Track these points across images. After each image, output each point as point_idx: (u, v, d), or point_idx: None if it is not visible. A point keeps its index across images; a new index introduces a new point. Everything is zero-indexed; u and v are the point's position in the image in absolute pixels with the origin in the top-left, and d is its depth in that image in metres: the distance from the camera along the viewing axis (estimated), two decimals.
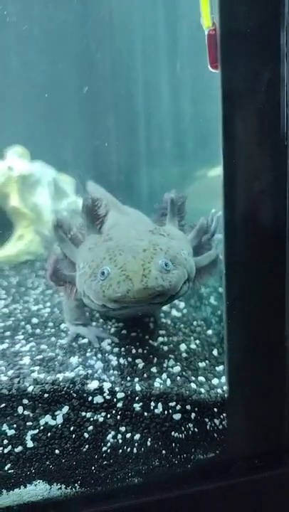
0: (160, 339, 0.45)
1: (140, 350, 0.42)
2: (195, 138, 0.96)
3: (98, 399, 0.35)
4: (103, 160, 1.00)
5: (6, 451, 0.34)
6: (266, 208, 0.36)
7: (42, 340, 0.42)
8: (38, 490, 0.36)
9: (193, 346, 0.44)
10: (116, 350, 0.41)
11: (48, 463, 0.35)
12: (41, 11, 0.84)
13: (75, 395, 0.35)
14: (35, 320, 0.45)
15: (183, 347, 0.43)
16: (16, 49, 0.83)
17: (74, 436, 0.35)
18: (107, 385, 0.36)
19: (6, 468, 0.35)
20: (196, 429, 0.38)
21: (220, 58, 0.33)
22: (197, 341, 0.45)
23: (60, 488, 0.36)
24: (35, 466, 0.35)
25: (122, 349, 0.41)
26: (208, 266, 0.43)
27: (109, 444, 0.36)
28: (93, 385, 0.35)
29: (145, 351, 0.41)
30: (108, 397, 0.35)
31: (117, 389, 0.36)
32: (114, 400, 0.36)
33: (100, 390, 0.35)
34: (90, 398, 0.35)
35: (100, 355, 0.40)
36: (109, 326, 0.46)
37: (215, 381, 0.40)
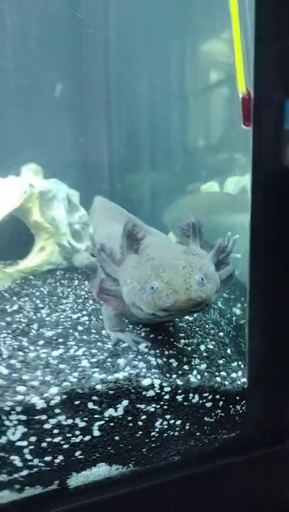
0: (182, 341, 0.53)
1: (171, 351, 0.50)
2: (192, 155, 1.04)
3: (150, 393, 0.43)
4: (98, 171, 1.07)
5: (77, 440, 0.42)
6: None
7: (90, 345, 0.49)
8: (100, 471, 0.44)
9: (210, 346, 0.53)
10: (152, 351, 0.49)
11: (109, 448, 0.43)
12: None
13: (133, 391, 0.43)
14: (80, 327, 0.52)
15: (202, 347, 0.52)
16: None
17: (131, 424, 0.43)
18: (157, 381, 0.44)
19: (77, 454, 0.42)
20: (222, 414, 0.47)
21: (252, 121, 0.41)
22: (213, 342, 0.54)
23: (118, 469, 0.44)
24: (99, 452, 0.43)
25: (157, 351, 0.49)
26: (226, 279, 0.52)
27: (157, 430, 0.45)
28: (146, 381, 0.43)
29: (174, 352, 0.50)
30: (158, 391, 0.44)
31: (164, 384, 0.44)
32: (162, 393, 0.44)
33: (152, 386, 0.43)
34: (144, 393, 0.43)
35: (140, 357, 0.48)
36: (139, 331, 0.54)
37: (233, 375, 0.49)
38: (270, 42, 0.40)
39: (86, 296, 0.64)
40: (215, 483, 0.48)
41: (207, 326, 0.58)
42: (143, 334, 0.53)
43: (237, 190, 0.85)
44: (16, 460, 0.40)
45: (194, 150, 1.04)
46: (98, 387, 0.42)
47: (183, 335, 0.54)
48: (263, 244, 0.45)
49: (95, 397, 0.42)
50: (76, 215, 0.79)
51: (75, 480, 0.43)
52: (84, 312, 0.57)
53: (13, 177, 0.77)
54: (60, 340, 0.50)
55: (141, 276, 0.44)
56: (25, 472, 0.41)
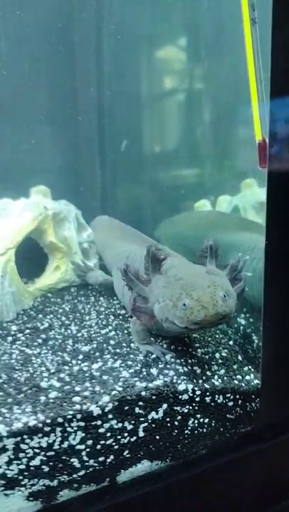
0: (199, 350, 0.60)
1: (193, 360, 0.57)
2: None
3: (185, 396, 0.50)
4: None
5: (125, 441, 0.48)
6: None
7: (125, 357, 0.55)
8: (143, 467, 0.50)
9: (224, 354, 0.61)
10: (178, 361, 0.56)
11: (151, 446, 0.50)
12: None
13: (171, 395, 0.49)
14: (112, 342, 0.58)
15: (217, 355, 0.60)
16: None
17: (168, 425, 0.50)
18: (190, 386, 0.51)
19: (125, 453, 0.48)
20: (241, 411, 0.55)
21: (267, 165, 0.50)
22: (225, 350, 0.62)
23: (158, 464, 0.51)
24: (143, 450, 0.49)
25: (181, 360, 0.56)
26: (239, 294, 0.60)
27: (189, 428, 0.52)
28: (181, 386, 0.50)
29: (196, 360, 0.57)
30: (191, 395, 0.50)
31: (195, 388, 0.51)
32: (194, 396, 0.51)
33: (186, 390, 0.50)
34: (180, 396, 0.50)
35: (168, 366, 0.55)
36: (160, 343, 0.61)
37: (247, 377, 0.57)
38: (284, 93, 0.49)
39: (106, 312, 0.69)
40: (236, 471, 0.56)
41: (217, 336, 0.66)
42: (165, 346, 0.60)
43: (230, 208, 0.95)
44: (75, 462, 0.45)
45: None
46: (143, 393, 0.48)
47: (198, 345, 0.62)
48: (278, 263, 0.53)
49: (140, 403, 0.48)
50: (84, 234, 0.84)
51: (123, 476, 0.49)
52: (110, 327, 0.63)
53: (24, 199, 0.82)
54: (97, 354, 0.55)
55: (172, 295, 0.51)
56: (82, 472, 0.46)
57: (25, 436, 0.43)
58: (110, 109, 1.10)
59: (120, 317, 0.68)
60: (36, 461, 0.44)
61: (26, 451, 0.43)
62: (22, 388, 0.48)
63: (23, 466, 0.43)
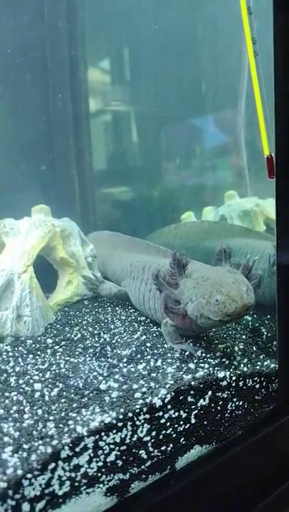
0: (220, 346, 0.67)
1: (219, 353, 0.64)
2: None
3: (224, 383, 0.56)
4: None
5: (181, 429, 0.52)
6: None
7: (163, 357, 0.60)
8: (196, 452, 0.55)
9: (241, 347, 0.68)
10: (208, 355, 0.62)
11: (200, 431, 0.55)
12: None
13: (214, 383, 0.55)
14: (148, 344, 0.62)
15: (236, 348, 0.67)
16: None
17: (213, 410, 0.56)
18: (227, 373, 0.57)
19: (181, 440, 0.52)
20: (265, 392, 0.63)
21: (275, 176, 0.59)
22: (241, 343, 0.70)
23: (206, 448, 0.56)
24: (195, 436, 0.54)
25: (210, 354, 0.63)
26: (254, 290, 0.68)
27: (228, 411, 0.58)
28: (221, 374, 0.56)
29: (222, 353, 0.64)
30: (228, 381, 0.57)
31: (231, 375, 0.57)
32: (231, 381, 0.57)
33: (225, 377, 0.56)
34: (220, 383, 0.56)
35: (201, 360, 0.61)
36: (187, 342, 0.66)
37: (265, 363, 0.65)
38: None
39: (128, 320, 0.74)
40: (266, 445, 0.63)
41: (230, 333, 0.73)
42: (192, 345, 0.66)
43: (217, 218, 1.04)
44: (143, 453, 0.49)
45: None
46: (192, 383, 0.54)
47: (217, 341, 0.69)
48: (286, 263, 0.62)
49: (191, 392, 0.53)
50: (87, 249, 0.87)
51: (180, 463, 0.54)
52: (139, 333, 0.68)
53: (28, 218, 0.83)
54: (138, 356, 0.60)
55: (205, 293, 0.58)
56: (148, 463, 0.50)
57: (102, 434, 0.46)
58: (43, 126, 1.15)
59: (143, 323, 0.73)
60: (112, 457, 0.47)
61: (103, 447, 0.46)
62: (84, 392, 0.51)
63: (101, 463, 0.46)
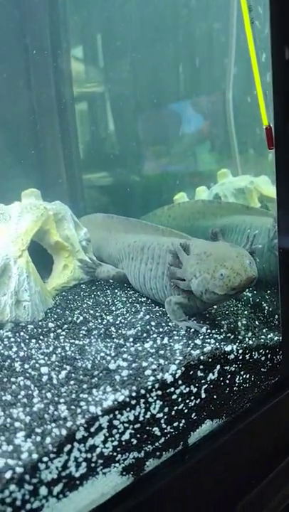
0: (223, 322, 0.67)
1: (223, 329, 0.63)
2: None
3: (231, 356, 0.56)
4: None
5: (192, 404, 0.52)
6: None
7: (169, 334, 0.59)
8: (206, 427, 0.55)
9: (244, 322, 0.68)
10: (213, 331, 0.62)
11: (210, 406, 0.55)
12: None
13: (222, 356, 0.55)
14: (152, 323, 0.62)
15: (239, 323, 0.67)
16: None
17: (222, 384, 0.55)
18: (234, 346, 0.57)
19: (193, 416, 0.52)
20: (270, 364, 0.63)
21: (274, 147, 0.58)
22: (244, 319, 0.69)
23: (217, 422, 0.56)
24: (205, 410, 0.54)
25: (215, 330, 0.62)
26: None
27: (236, 384, 0.58)
28: (228, 348, 0.56)
29: (226, 329, 0.63)
30: (236, 354, 0.57)
31: (238, 348, 0.57)
32: (238, 354, 0.57)
33: (232, 350, 0.56)
34: (228, 356, 0.56)
35: (207, 336, 0.60)
36: (191, 320, 0.66)
37: (269, 336, 0.65)
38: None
39: (130, 301, 0.72)
40: (273, 417, 0.64)
41: (232, 309, 0.73)
42: (195, 322, 0.65)
43: (211, 197, 1.03)
44: (156, 430, 0.49)
45: None
46: (201, 358, 0.53)
47: (220, 318, 0.68)
48: (287, 235, 0.62)
49: (201, 366, 0.53)
50: (81, 232, 0.85)
51: (192, 438, 0.54)
52: (142, 313, 0.67)
53: (18, 202, 0.80)
54: (144, 335, 0.59)
55: (209, 268, 0.58)
56: (162, 440, 0.50)
57: (116, 413, 0.45)
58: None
59: (144, 304, 0.71)
60: (126, 435, 0.46)
61: (118, 426, 0.45)
62: (93, 373, 0.50)
63: (116, 443, 0.46)
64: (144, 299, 0.75)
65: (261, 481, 0.61)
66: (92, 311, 0.69)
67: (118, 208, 1.20)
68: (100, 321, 0.65)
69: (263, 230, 0.76)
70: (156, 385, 0.49)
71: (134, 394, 0.47)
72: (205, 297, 0.59)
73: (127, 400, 0.46)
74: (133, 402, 0.47)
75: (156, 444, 0.50)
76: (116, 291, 0.79)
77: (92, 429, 0.44)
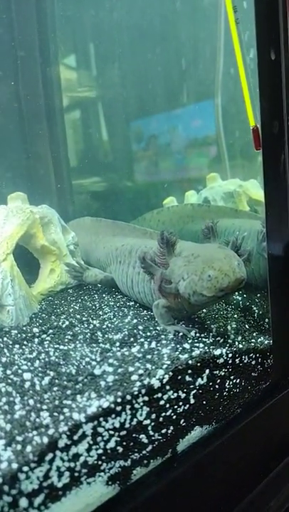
0: (212, 326, 0.66)
1: (213, 333, 0.62)
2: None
3: (221, 360, 0.55)
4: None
5: (181, 410, 0.50)
6: None
7: (157, 339, 0.58)
8: (196, 433, 0.54)
9: (234, 325, 0.67)
10: (202, 335, 0.61)
11: (200, 412, 0.53)
12: None
13: (211, 360, 0.54)
14: (140, 327, 0.60)
15: (229, 327, 0.66)
16: None
17: (212, 389, 0.54)
18: (223, 350, 0.55)
19: (181, 422, 0.51)
20: (261, 369, 0.62)
21: (262, 147, 0.58)
22: (233, 322, 0.68)
23: (206, 428, 0.54)
24: (194, 416, 0.53)
25: (204, 334, 0.61)
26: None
27: (226, 389, 0.56)
28: (217, 351, 0.55)
29: (215, 333, 0.62)
30: (225, 358, 0.55)
31: (228, 351, 0.56)
32: (228, 358, 0.56)
33: (221, 354, 0.55)
34: (217, 360, 0.54)
35: (196, 340, 0.59)
36: (180, 324, 0.64)
37: (259, 340, 0.64)
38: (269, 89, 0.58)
39: (117, 305, 0.71)
40: (264, 422, 0.62)
41: (221, 313, 0.72)
42: (184, 326, 0.64)
43: (201, 201, 1.03)
44: (144, 438, 0.47)
45: None
46: (190, 362, 0.52)
47: (209, 322, 0.67)
48: (275, 237, 0.61)
49: (189, 371, 0.52)
50: (69, 236, 0.84)
51: (182, 445, 0.52)
52: (129, 317, 0.65)
53: (4, 206, 0.79)
54: (131, 339, 0.58)
55: (196, 270, 0.57)
56: (150, 447, 0.48)
57: (101, 419, 0.43)
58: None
59: (132, 308, 0.70)
60: (112, 443, 0.45)
61: (103, 434, 0.44)
62: (77, 379, 0.48)
63: (101, 451, 0.44)
64: (133, 303, 0.73)
65: (253, 490, 0.60)
66: (78, 316, 0.67)
67: (108, 213, 1.19)
68: (86, 325, 0.63)
69: (251, 233, 0.75)
70: (143, 391, 0.47)
71: (119, 400, 0.45)
72: (193, 299, 0.58)
73: (112, 406, 0.44)
74: (118, 408, 0.45)
75: (144, 451, 0.48)
76: (104, 295, 0.78)
77: (76, 437, 0.42)
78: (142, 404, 0.47)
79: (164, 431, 0.50)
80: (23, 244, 0.77)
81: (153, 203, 1.09)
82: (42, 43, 1.16)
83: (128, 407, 0.46)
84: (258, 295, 0.79)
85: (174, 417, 0.51)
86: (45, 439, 0.40)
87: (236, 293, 0.81)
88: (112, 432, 0.45)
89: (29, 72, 1.13)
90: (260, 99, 0.59)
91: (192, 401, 0.53)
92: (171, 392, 0.50)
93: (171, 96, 1.38)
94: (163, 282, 0.59)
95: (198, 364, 0.53)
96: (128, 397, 0.46)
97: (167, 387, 0.49)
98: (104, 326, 0.62)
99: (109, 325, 0.62)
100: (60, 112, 1.21)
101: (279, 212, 0.64)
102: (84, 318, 0.65)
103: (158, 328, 0.62)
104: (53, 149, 1.18)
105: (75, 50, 1.30)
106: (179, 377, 0.51)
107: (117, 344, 0.56)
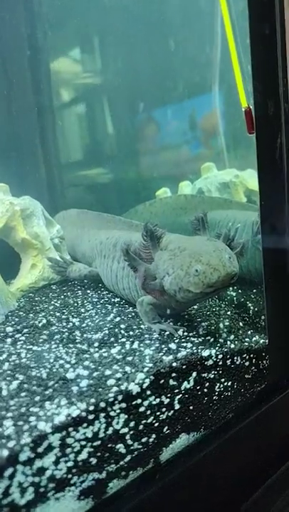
0: (203, 323, 0.61)
1: (203, 331, 0.57)
2: None
3: (210, 362, 0.50)
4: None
5: (164, 416, 0.46)
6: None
7: (140, 338, 0.53)
8: (182, 441, 0.49)
9: (227, 323, 0.62)
10: (190, 334, 0.56)
11: (186, 418, 0.49)
12: None
13: (198, 362, 0.49)
14: (122, 326, 0.56)
15: (221, 325, 0.61)
16: None
17: (199, 393, 0.49)
18: (213, 351, 0.51)
19: (164, 430, 0.46)
20: (255, 370, 0.57)
21: (255, 130, 0.53)
22: (226, 320, 0.64)
23: (194, 435, 0.50)
24: (180, 423, 0.48)
25: (193, 333, 0.56)
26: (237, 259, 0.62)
27: (216, 393, 0.52)
28: (206, 352, 0.50)
29: (205, 331, 0.58)
30: (215, 359, 0.51)
31: (217, 352, 0.51)
32: (217, 360, 0.51)
33: (210, 355, 0.50)
34: (205, 362, 0.50)
35: (184, 339, 0.54)
36: (167, 322, 0.60)
37: (254, 339, 0.59)
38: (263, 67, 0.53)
39: (101, 302, 0.66)
40: (260, 428, 0.57)
41: (214, 310, 0.67)
42: (172, 324, 0.59)
43: (195, 192, 0.98)
44: (121, 448, 0.43)
45: None
46: (174, 364, 0.47)
47: (200, 319, 0.62)
48: (270, 229, 0.57)
49: (173, 374, 0.47)
50: (53, 229, 0.79)
51: (165, 454, 0.47)
52: (112, 314, 0.61)
53: None
54: (112, 339, 0.53)
55: (182, 264, 0.52)
56: (128, 457, 0.43)
57: (70, 429, 0.39)
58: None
59: (117, 304, 0.65)
60: (84, 455, 0.40)
61: (73, 445, 0.39)
62: (48, 384, 0.44)
63: (71, 463, 0.39)
64: (118, 299, 0.69)
65: (246, 501, 0.56)
66: (58, 314, 0.62)
67: (101, 205, 1.15)
68: (64, 324, 0.58)
69: (247, 225, 0.70)
70: (120, 397, 0.43)
71: (92, 408, 0.41)
72: (179, 296, 0.53)
73: (84, 414, 0.40)
74: (91, 416, 0.41)
75: (121, 462, 0.43)
76: (88, 291, 0.73)
77: (41, 449, 0.38)
78: (118, 411, 0.42)
79: (144, 440, 0.45)
80: (3, 237, 0.72)
81: (146, 194, 1.04)
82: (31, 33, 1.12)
83: (102, 414, 0.41)
84: (254, 290, 0.74)
85: (156, 424, 0.46)
86: (5, 452, 0.36)
87: (231, 288, 0.76)
88: (83, 443, 0.40)
89: (16, 62, 1.09)
90: (252, 76, 0.54)
91: (177, 406, 0.48)
92: (153, 397, 0.45)
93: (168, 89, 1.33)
94: (147, 278, 0.55)
95: (184, 366, 0.48)
96: (102, 404, 0.41)
97: (148, 393, 0.45)
98: (84, 325, 0.57)
99: (90, 323, 0.58)
100: (50, 103, 1.16)
101: (274, 202, 0.59)
102: (64, 316, 0.61)
103: (142, 326, 0.57)
104: (43, 139, 1.14)
105: (70, 40, 1.26)
106: (162, 381, 0.46)
107: (96, 345, 0.52)
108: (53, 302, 0.67)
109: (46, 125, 1.15)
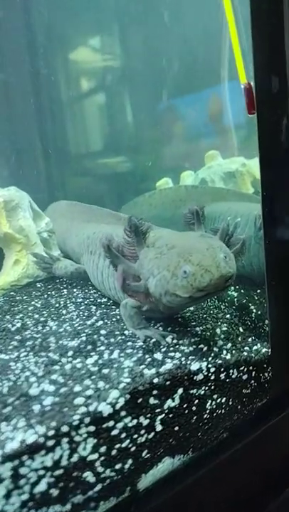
0: (198, 328, 0.55)
1: (195, 338, 0.51)
2: None
3: (199, 376, 0.44)
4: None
5: (143, 439, 0.40)
6: None
7: (122, 346, 0.47)
8: (165, 466, 0.43)
9: (224, 328, 0.55)
10: (180, 342, 0.50)
11: (170, 440, 0.43)
12: None
13: (185, 377, 0.43)
14: (102, 332, 0.50)
15: (218, 330, 0.54)
16: None
17: (186, 411, 0.43)
18: (203, 364, 0.44)
19: (144, 454, 0.40)
20: (255, 384, 0.50)
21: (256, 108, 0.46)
22: (225, 324, 0.57)
23: (180, 459, 0.44)
24: (162, 446, 0.42)
25: (183, 340, 0.50)
26: (237, 257, 0.54)
27: (208, 411, 0.45)
28: (195, 366, 0.44)
29: (198, 338, 0.51)
30: (205, 373, 0.44)
31: (209, 366, 0.45)
32: (209, 374, 0.45)
33: (200, 369, 0.44)
34: (194, 377, 0.44)
35: (172, 348, 0.48)
36: (156, 327, 0.54)
37: (255, 348, 0.52)
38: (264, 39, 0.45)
39: (85, 302, 0.61)
40: (258, 448, 0.51)
41: (212, 312, 0.60)
42: (161, 329, 0.53)
43: (197, 182, 0.91)
44: (89, 476, 0.37)
45: None
46: (155, 380, 0.41)
47: (195, 323, 0.56)
48: (274, 223, 0.49)
49: (154, 392, 0.41)
50: (42, 222, 0.74)
51: (144, 481, 0.41)
52: (94, 318, 0.55)
53: None
54: (89, 347, 0.47)
55: (169, 264, 0.45)
56: (98, 487, 0.38)
57: (24, 458, 0.34)
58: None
59: (103, 306, 0.59)
60: (42, 486, 0.35)
61: (28, 475, 0.34)
62: (7, 400, 0.38)
63: (26, 496, 0.34)
64: (105, 300, 0.62)
65: None
66: (36, 316, 0.57)
67: (99, 196, 1.09)
68: (40, 328, 0.53)
69: (249, 219, 0.63)
70: (87, 419, 0.37)
71: (52, 432, 0.35)
72: (165, 300, 0.46)
73: (42, 440, 0.35)
74: (50, 442, 0.35)
75: (90, 492, 0.38)
76: (74, 290, 0.67)
77: None
78: (85, 435, 0.37)
79: (118, 466, 0.39)
80: None
81: (146, 185, 0.97)
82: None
83: (65, 440, 0.36)
84: (258, 291, 0.67)
85: (134, 448, 0.40)
86: None
87: (232, 288, 0.69)
88: (41, 472, 0.35)
89: (17, 57, 1.05)
90: (253, 48, 0.46)
91: (159, 428, 0.42)
92: (129, 418, 0.39)
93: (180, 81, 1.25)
94: (128, 278, 0.48)
95: (168, 382, 0.42)
96: (65, 428, 0.36)
97: (122, 413, 0.39)
98: (62, 330, 0.51)
99: (68, 328, 0.52)
100: (49, 95, 1.11)
101: (278, 193, 0.52)
102: (42, 319, 0.55)
103: (126, 332, 0.51)
104: (41, 132, 1.08)
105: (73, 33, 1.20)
106: (140, 399, 0.40)
107: (70, 354, 0.46)
108: (33, 302, 0.61)
109: (47, 117, 1.10)
